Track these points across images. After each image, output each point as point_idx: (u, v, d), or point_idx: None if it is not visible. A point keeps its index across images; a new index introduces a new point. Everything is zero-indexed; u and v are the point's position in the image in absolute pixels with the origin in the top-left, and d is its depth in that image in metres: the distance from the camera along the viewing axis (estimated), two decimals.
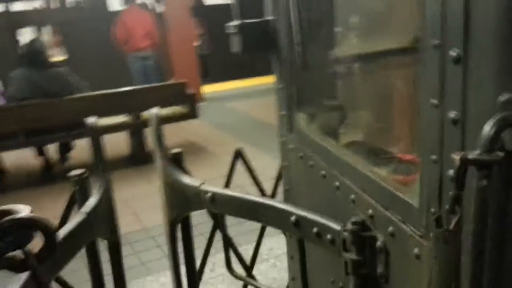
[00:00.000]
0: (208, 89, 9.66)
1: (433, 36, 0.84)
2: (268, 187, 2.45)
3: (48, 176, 5.50)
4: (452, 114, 0.82)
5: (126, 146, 5.97)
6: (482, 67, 0.76)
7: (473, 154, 0.69)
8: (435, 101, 0.87)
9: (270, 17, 1.72)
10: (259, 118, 7.41)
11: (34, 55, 5.00)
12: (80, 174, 1.53)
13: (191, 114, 5.83)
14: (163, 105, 5.81)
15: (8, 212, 0.89)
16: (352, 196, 1.28)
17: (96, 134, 1.53)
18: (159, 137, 1.70)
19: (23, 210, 0.90)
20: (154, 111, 1.69)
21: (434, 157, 0.90)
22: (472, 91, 0.78)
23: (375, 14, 2.00)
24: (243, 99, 8.85)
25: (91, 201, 1.41)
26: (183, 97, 5.77)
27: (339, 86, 1.87)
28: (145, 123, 5.75)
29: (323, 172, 1.51)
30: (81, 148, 6.09)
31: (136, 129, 5.71)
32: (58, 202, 4.70)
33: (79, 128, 5.30)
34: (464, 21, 0.77)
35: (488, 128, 0.68)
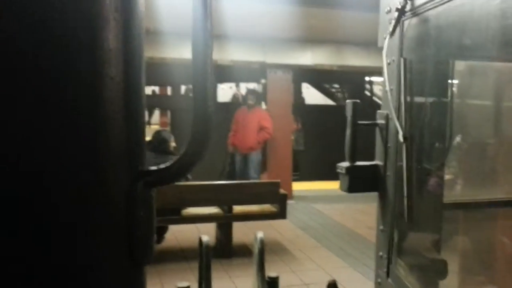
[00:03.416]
0: (296, 186, 9.79)
1: None
2: None
3: None
4: None
5: (213, 237, 6.16)
6: None
7: None
8: None
9: (379, 162, 1.81)
10: (346, 225, 7.28)
11: (160, 142, 5.72)
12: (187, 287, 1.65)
13: (280, 214, 5.92)
14: (254, 201, 6.01)
15: None
16: None
17: (207, 252, 1.66)
18: (261, 260, 1.79)
19: None
20: (260, 235, 1.80)
21: None
22: None
23: (485, 166, 2.01)
24: (331, 203, 8.80)
25: None
26: (275, 196, 5.91)
27: (443, 239, 1.86)
28: (235, 217, 5.95)
29: None
30: (173, 232, 6.41)
31: (225, 222, 5.90)
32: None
33: (176, 214, 5.65)
34: None
35: None
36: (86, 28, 0.52)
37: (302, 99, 17.19)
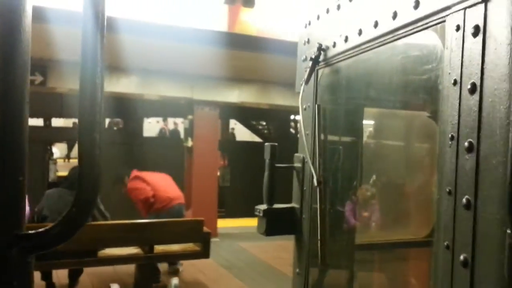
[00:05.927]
0: (222, 223, 9.68)
1: (445, 239, 0.95)
2: None
3: None
4: None
5: (131, 278, 5.85)
6: None
7: None
8: None
9: (295, 205, 1.84)
10: (270, 263, 7.27)
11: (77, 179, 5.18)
12: None
13: (203, 254, 5.77)
14: (177, 241, 5.82)
15: None
16: None
17: None
18: None
19: None
20: (174, 281, 1.73)
21: None
22: None
23: (394, 208, 2.11)
24: (256, 240, 8.77)
25: None
26: (198, 234, 5.78)
27: (356, 279, 1.91)
28: (156, 257, 5.70)
29: None
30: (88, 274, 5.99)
31: (146, 263, 5.64)
32: None
33: (92, 255, 5.30)
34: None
35: None
36: None
37: (232, 136, 17.31)
